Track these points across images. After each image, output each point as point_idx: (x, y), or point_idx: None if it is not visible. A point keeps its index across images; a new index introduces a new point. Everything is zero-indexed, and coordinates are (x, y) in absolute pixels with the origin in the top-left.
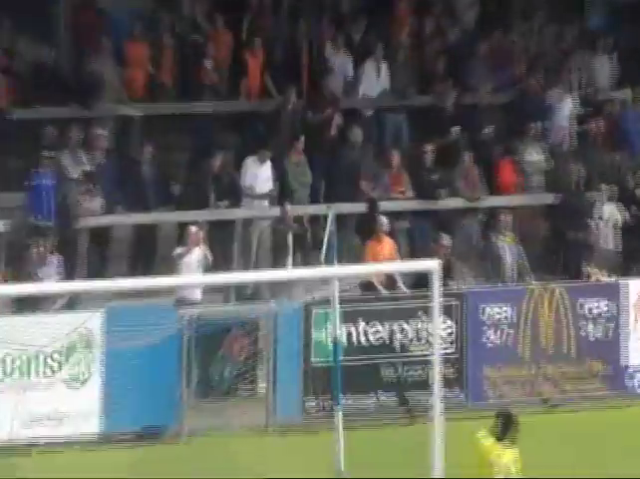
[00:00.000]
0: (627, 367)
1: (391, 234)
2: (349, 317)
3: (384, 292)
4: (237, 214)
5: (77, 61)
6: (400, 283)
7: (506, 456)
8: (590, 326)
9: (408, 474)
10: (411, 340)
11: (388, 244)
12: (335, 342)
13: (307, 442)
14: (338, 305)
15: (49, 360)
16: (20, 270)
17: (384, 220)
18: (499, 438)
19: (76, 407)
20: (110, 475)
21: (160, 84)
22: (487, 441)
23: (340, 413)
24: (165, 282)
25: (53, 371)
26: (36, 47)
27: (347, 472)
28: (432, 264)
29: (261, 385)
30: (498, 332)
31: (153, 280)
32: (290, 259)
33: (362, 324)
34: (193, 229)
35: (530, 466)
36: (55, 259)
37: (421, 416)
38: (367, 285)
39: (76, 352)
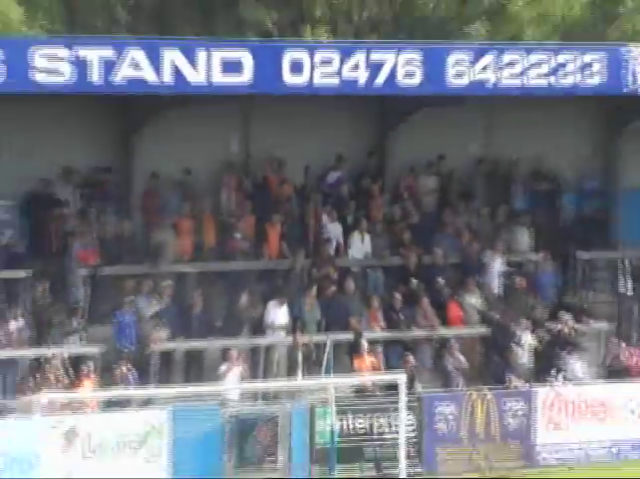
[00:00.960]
0: (536, 446)
1: (370, 354)
2: (340, 413)
3: (370, 393)
4: (263, 341)
5: (146, 232)
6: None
7: None
8: (510, 419)
9: None
10: (384, 429)
11: (368, 361)
12: (332, 430)
13: None
14: (334, 404)
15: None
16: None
17: (365, 343)
18: None
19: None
20: None
21: (205, 249)
22: None
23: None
24: (212, 389)
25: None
26: (118, 223)
27: None
28: (400, 376)
29: (280, 458)
30: (446, 423)
31: (203, 388)
32: (300, 373)
33: (350, 417)
34: (234, 352)
35: None
36: (131, 375)
37: None
38: (358, 389)
39: (150, 438)
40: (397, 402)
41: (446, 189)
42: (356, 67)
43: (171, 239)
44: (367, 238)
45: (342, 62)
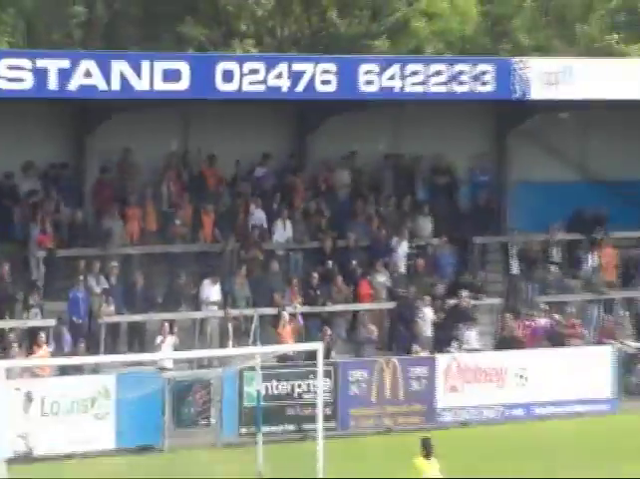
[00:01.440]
0: (436, 408)
1: (291, 324)
2: (266, 377)
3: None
4: (198, 315)
5: (97, 219)
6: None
7: (432, 466)
8: (414, 383)
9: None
10: (304, 392)
11: (289, 330)
12: (258, 393)
13: (240, 453)
14: (260, 370)
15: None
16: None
17: (287, 316)
18: (426, 457)
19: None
20: (121, 475)
21: (149, 233)
22: (419, 461)
23: (260, 436)
24: (151, 358)
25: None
26: (72, 211)
27: (263, 472)
28: (318, 345)
29: (212, 419)
30: (358, 387)
31: (145, 356)
32: (230, 342)
33: (274, 382)
34: (166, 325)
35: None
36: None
37: (310, 437)
38: (281, 357)
39: (99, 400)
40: (315, 369)
41: (357, 182)
42: (279, 76)
43: (119, 226)
44: (289, 224)
45: (267, 71)
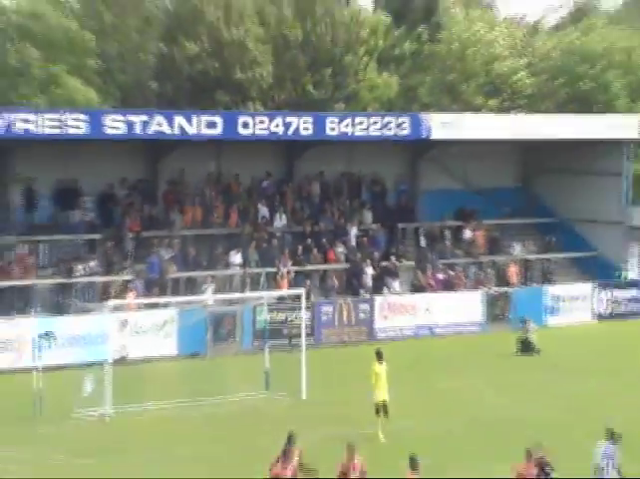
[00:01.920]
0: (374, 329)
1: (285, 278)
2: (270, 310)
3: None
4: (227, 272)
5: (165, 213)
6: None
7: (383, 369)
8: (361, 314)
9: (293, 365)
10: (293, 319)
11: (284, 282)
12: (265, 320)
13: (254, 359)
14: (266, 306)
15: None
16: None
17: (282, 272)
18: (379, 362)
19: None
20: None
21: (197, 222)
22: (376, 366)
23: (267, 347)
24: (199, 299)
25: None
26: (150, 208)
27: (270, 369)
28: (301, 291)
29: (237, 337)
30: (327, 317)
31: (195, 298)
32: (247, 289)
33: (275, 313)
34: (208, 279)
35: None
36: (156, 290)
37: (297, 348)
38: (279, 298)
39: (167, 325)
40: (300, 305)
41: (325, 190)
42: (277, 125)
43: (179, 218)
44: (283, 216)
45: (270, 122)
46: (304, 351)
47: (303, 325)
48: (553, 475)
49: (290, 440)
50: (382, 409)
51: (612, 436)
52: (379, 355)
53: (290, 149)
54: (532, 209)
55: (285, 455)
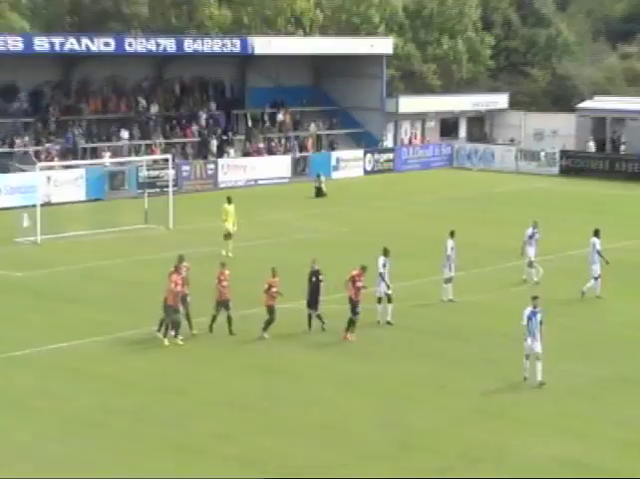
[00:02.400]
0: (219, 183)
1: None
2: (148, 169)
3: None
4: None
5: None
6: None
7: (231, 209)
8: (210, 171)
9: None
10: (164, 175)
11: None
12: (145, 175)
13: (138, 203)
14: (145, 166)
15: None
16: None
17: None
18: (229, 204)
19: None
20: None
21: None
22: (225, 206)
23: (146, 194)
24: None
25: None
26: None
27: (148, 209)
28: (168, 156)
29: (127, 187)
30: (187, 173)
31: None
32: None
33: (151, 170)
34: None
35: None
36: None
37: (166, 195)
38: (154, 161)
39: None
40: (168, 165)
41: (185, 88)
42: (152, 44)
43: (86, 107)
44: (157, 105)
45: (147, 42)
46: (171, 196)
47: (170, 179)
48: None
49: (180, 259)
50: (229, 236)
51: (385, 253)
52: (229, 199)
53: (160, 60)
54: (322, 100)
55: (177, 270)
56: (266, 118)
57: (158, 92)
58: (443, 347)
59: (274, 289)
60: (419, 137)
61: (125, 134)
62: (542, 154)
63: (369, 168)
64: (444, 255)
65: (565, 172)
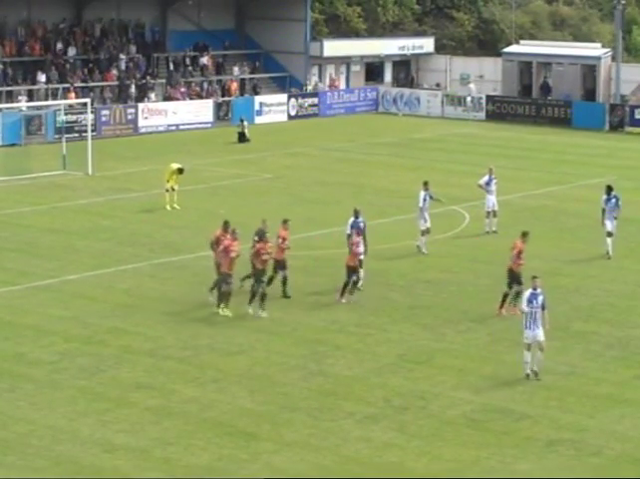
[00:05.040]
0: (139, 127)
1: None
2: (65, 113)
3: None
4: None
5: None
6: None
7: (173, 169)
8: (130, 116)
9: None
10: (82, 119)
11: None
12: (62, 120)
13: (55, 148)
14: (62, 111)
15: None
16: None
17: None
18: (180, 172)
19: None
20: None
21: None
22: (172, 166)
23: (64, 139)
24: None
25: None
26: None
27: (66, 154)
28: (87, 100)
29: (43, 132)
30: (106, 118)
31: None
32: None
33: (69, 115)
34: None
35: None
36: None
37: (84, 140)
38: (70, 105)
39: None
40: (87, 110)
41: (104, 31)
42: None
43: (1, 50)
44: (74, 48)
45: None
46: (90, 141)
47: (89, 124)
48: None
49: (226, 224)
50: (171, 190)
51: (356, 214)
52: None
53: (79, 1)
54: (245, 43)
55: (230, 233)
56: (188, 62)
57: (76, 34)
58: (368, 294)
59: (286, 243)
60: (338, 82)
61: (42, 77)
62: (468, 99)
63: (293, 112)
64: (417, 207)
65: (492, 117)
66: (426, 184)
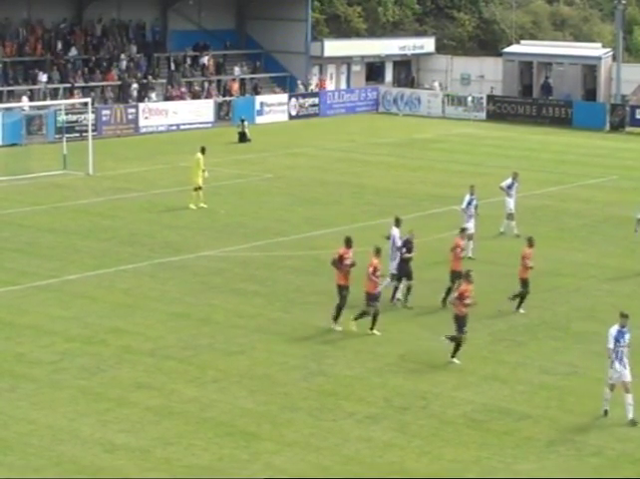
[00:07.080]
0: (140, 126)
1: None
2: (66, 113)
3: None
4: None
5: None
6: None
7: (201, 161)
8: (130, 116)
9: None
10: (83, 119)
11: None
12: (63, 120)
13: (56, 148)
14: (63, 110)
15: None
16: None
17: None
18: (203, 153)
19: None
20: None
21: None
22: (198, 155)
23: (65, 139)
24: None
25: None
26: None
27: (67, 154)
28: (88, 100)
29: (44, 132)
30: (107, 117)
31: None
32: None
33: (70, 115)
34: None
35: None
36: None
37: (87, 140)
38: (72, 105)
39: None
40: (87, 109)
41: (105, 31)
42: None
43: (2, 50)
44: (75, 48)
45: None
46: (90, 141)
47: (90, 124)
48: None
49: (348, 241)
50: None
51: (397, 222)
52: (203, 150)
53: (80, 1)
54: (245, 43)
55: (348, 244)
56: (189, 61)
57: (77, 34)
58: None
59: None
60: (328, 82)
61: (43, 77)
62: (469, 99)
63: (294, 112)
64: (460, 210)
65: (492, 117)
66: (472, 187)
